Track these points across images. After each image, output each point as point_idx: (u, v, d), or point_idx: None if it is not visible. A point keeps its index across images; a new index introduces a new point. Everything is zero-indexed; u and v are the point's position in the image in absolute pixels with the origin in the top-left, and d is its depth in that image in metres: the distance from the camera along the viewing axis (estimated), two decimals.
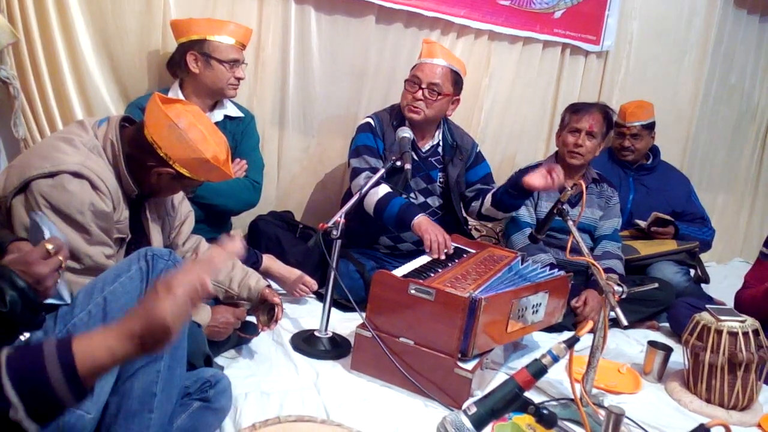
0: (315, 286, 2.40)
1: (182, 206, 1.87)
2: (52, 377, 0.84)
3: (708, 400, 2.06)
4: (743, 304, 2.45)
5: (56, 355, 0.84)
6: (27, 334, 1.20)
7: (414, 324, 1.88)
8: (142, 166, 1.54)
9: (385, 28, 2.96)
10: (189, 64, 2.33)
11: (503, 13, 3.12)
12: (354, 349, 2.00)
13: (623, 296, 1.81)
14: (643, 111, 3.28)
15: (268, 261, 2.41)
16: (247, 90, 2.74)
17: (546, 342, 2.39)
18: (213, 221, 2.46)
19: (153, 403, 1.31)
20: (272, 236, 2.61)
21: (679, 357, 2.23)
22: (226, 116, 2.48)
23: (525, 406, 1.17)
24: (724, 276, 3.63)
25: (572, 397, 1.67)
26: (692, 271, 3.07)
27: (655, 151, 3.38)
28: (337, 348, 2.10)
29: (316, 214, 3.04)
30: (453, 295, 1.83)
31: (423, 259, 2.22)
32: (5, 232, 1.41)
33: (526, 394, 1.17)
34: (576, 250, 1.96)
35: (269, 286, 1.96)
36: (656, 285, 2.37)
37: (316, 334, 2.12)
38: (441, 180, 2.64)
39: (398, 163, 2.23)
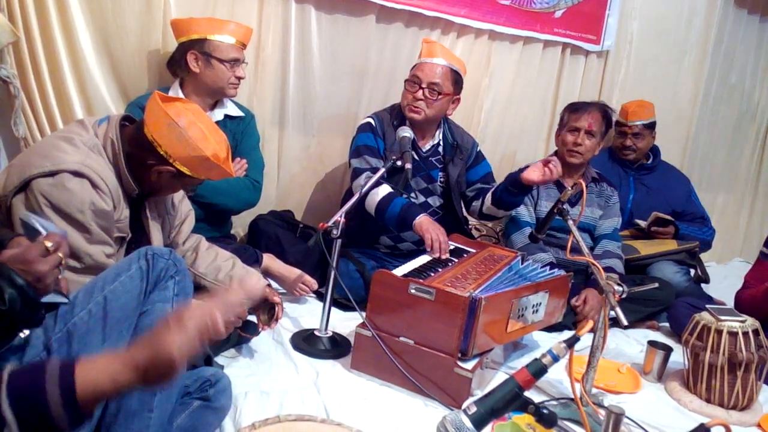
0: (315, 285, 2.40)
1: (182, 205, 1.87)
2: (51, 400, 0.82)
3: (708, 400, 2.06)
4: (743, 304, 2.45)
5: (57, 378, 0.83)
6: (26, 332, 1.20)
7: (414, 323, 1.88)
8: (143, 164, 1.54)
9: (385, 28, 2.96)
10: (189, 63, 2.33)
11: (504, 12, 3.12)
12: (354, 348, 2.00)
13: (623, 296, 1.81)
14: (644, 110, 3.28)
15: (268, 260, 2.41)
16: (247, 89, 2.74)
17: (546, 341, 2.39)
18: (213, 220, 2.46)
19: (153, 402, 1.31)
20: (272, 235, 2.61)
21: (679, 357, 2.23)
22: (226, 115, 2.48)
23: (525, 405, 1.17)
24: (724, 276, 3.63)
25: (572, 396, 1.67)
26: (692, 271, 3.07)
27: (655, 150, 3.38)
28: (337, 347, 2.10)
29: (316, 213, 3.04)
30: (453, 295, 1.83)
31: (423, 259, 2.22)
32: (5, 231, 1.41)
33: (526, 393, 1.17)
34: (576, 249, 1.96)
35: (269, 285, 1.96)
36: (656, 285, 2.37)
37: (316, 333, 2.12)
38: (441, 179, 2.64)
39: (399, 163, 2.23)
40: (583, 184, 2.06)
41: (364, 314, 1.97)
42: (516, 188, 2.44)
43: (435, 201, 2.64)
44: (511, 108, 3.35)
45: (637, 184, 3.30)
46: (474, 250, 2.39)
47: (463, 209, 2.74)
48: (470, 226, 2.92)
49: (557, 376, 2.03)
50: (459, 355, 1.85)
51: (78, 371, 0.84)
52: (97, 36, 2.45)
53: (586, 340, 1.82)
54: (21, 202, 1.43)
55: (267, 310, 1.96)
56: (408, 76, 2.56)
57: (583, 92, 3.46)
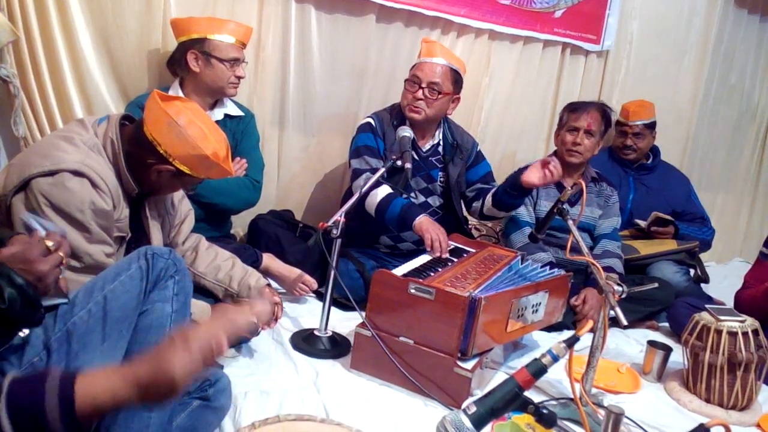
0: (315, 285, 2.40)
1: (182, 205, 1.87)
2: (49, 413, 0.82)
3: (707, 400, 2.06)
4: (743, 304, 2.45)
5: (57, 390, 0.83)
6: (26, 331, 1.20)
7: (414, 323, 1.88)
8: (142, 163, 1.54)
9: (385, 27, 2.96)
10: (189, 62, 2.33)
11: (504, 12, 3.12)
12: (354, 348, 2.00)
13: (623, 296, 1.81)
14: (645, 110, 3.29)
15: (268, 260, 2.41)
16: (247, 89, 2.74)
17: (546, 341, 2.39)
18: (213, 220, 2.46)
19: None
20: (272, 235, 2.61)
21: (678, 357, 2.23)
22: (226, 115, 2.48)
23: (524, 405, 1.17)
24: (724, 276, 3.63)
25: (572, 396, 1.68)
26: (692, 271, 3.07)
27: (655, 150, 3.38)
28: (337, 347, 2.10)
29: (315, 213, 3.04)
30: (453, 295, 1.83)
31: (423, 259, 2.22)
32: (5, 231, 1.41)
33: (526, 393, 1.17)
34: (576, 249, 1.96)
35: (269, 284, 1.96)
36: (656, 285, 2.37)
37: (316, 333, 2.12)
38: (441, 179, 2.64)
39: (398, 163, 2.23)
40: (583, 184, 2.06)
41: (363, 314, 1.97)
42: (516, 191, 2.44)
43: (435, 201, 2.64)
44: (511, 108, 3.35)
45: (637, 184, 3.30)
46: (474, 250, 2.39)
47: (463, 209, 2.74)
48: (470, 226, 2.92)
49: (557, 376, 2.03)
50: (459, 354, 1.85)
51: (78, 384, 0.84)
52: (96, 35, 2.45)
53: (585, 340, 1.81)
54: (21, 201, 1.43)
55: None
56: (408, 76, 2.56)
57: (583, 92, 3.45)
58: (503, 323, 1.95)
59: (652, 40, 3.56)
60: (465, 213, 2.77)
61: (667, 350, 2.24)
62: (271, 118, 2.87)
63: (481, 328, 1.84)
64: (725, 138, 4.00)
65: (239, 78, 2.40)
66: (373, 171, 2.35)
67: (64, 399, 0.82)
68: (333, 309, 2.18)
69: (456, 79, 2.54)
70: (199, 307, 1.70)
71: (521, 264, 2.26)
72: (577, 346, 1.26)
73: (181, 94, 2.35)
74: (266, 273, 2.34)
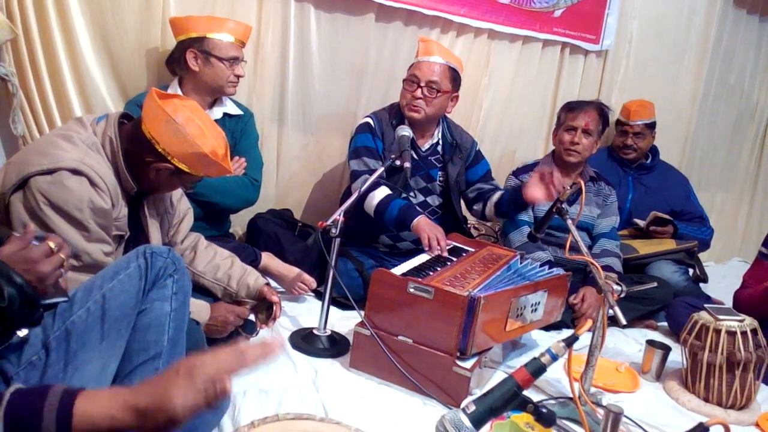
0: (314, 284, 2.40)
1: (181, 204, 1.87)
2: (45, 430, 0.82)
3: (706, 399, 2.07)
4: (742, 303, 2.45)
5: (56, 408, 0.82)
6: (25, 331, 1.20)
7: (413, 322, 1.88)
8: (141, 162, 1.54)
9: (384, 27, 2.96)
10: (188, 61, 2.33)
11: (503, 11, 3.12)
12: (353, 347, 1.99)
13: (622, 295, 1.81)
14: (646, 110, 3.29)
15: (267, 259, 2.41)
16: (246, 88, 2.73)
17: (545, 340, 2.39)
18: (212, 219, 2.46)
19: None
20: (271, 234, 2.61)
21: (677, 356, 2.23)
22: (225, 114, 2.48)
23: (524, 404, 1.17)
24: (723, 275, 3.63)
25: (571, 395, 1.68)
26: (691, 271, 3.07)
27: (654, 150, 3.39)
28: (336, 346, 2.10)
29: (315, 212, 3.04)
30: (452, 294, 1.83)
31: (422, 258, 2.21)
32: (4, 229, 1.41)
33: (525, 392, 1.17)
34: (575, 248, 1.96)
35: (268, 284, 1.95)
36: (655, 284, 2.37)
37: (315, 332, 2.12)
38: (441, 179, 2.64)
39: (397, 162, 2.23)
40: (582, 184, 2.06)
41: (362, 313, 1.97)
42: (519, 206, 2.48)
43: (434, 200, 2.64)
44: (510, 107, 3.35)
45: (636, 184, 3.30)
46: (473, 249, 2.39)
47: (463, 209, 2.74)
48: (469, 226, 2.93)
49: (556, 375, 2.03)
50: (458, 354, 1.85)
51: (77, 404, 0.83)
52: (95, 34, 2.45)
53: (584, 339, 1.81)
54: (19, 200, 1.43)
55: (265, 309, 1.95)
56: (406, 76, 2.56)
57: (582, 92, 3.46)
58: (502, 322, 1.95)
59: (652, 40, 3.56)
60: (464, 212, 2.77)
61: (666, 349, 2.25)
62: (270, 116, 2.87)
63: (480, 327, 1.84)
64: (724, 138, 4.00)
65: (238, 77, 2.40)
66: (372, 173, 2.35)
67: (62, 418, 0.82)
68: (332, 308, 2.18)
69: (454, 77, 2.54)
70: (197, 305, 1.70)
71: (520, 263, 2.26)
72: (576, 345, 1.26)
73: (180, 92, 2.35)
74: (265, 272, 2.34)
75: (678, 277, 2.89)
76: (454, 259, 2.24)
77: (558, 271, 2.21)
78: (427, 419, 1.75)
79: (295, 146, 2.96)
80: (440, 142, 2.63)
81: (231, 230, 2.71)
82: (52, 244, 1.14)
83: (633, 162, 3.31)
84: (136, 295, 1.36)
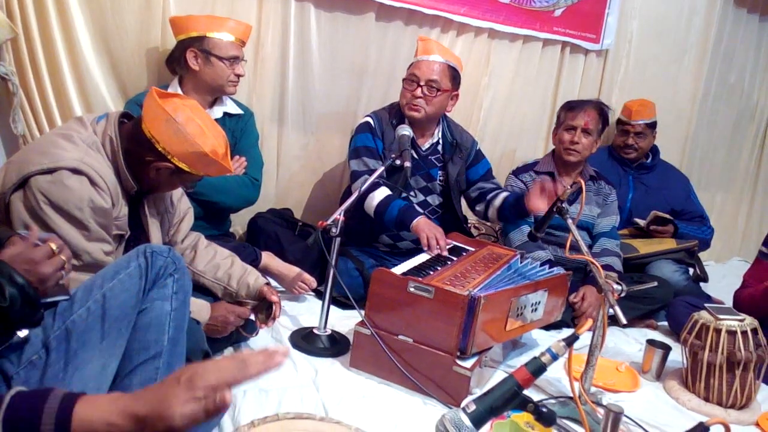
0: (314, 283, 2.40)
1: (181, 203, 1.87)
2: None
3: (706, 399, 2.07)
4: (742, 303, 2.45)
5: (55, 413, 0.82)
6: (25, 331, 1.20)
7: (413, 322, 1.88)
8: (141, 161, 1.54)
9: (384, 26, 2.96)
10: (189, 61, 2.33)
11: (503, 11, 3.12)
12: (353, 346, 1.99)
13: (622, 294, 1.81)
14: (647, 109, 3.29)
15: (267, 258, 2.41)
16: (246, 87, 2.73)
17: (545, 340, 2.39)
18: (212, 218, 2.46)
19: None
20: (271, 234, 2.61)
21: (677, 356, 2.23)
22: (225, 113, 2.48)
23: (524, 404, 1.17)
24: (723, 275, 3.64)
25: (571, 395, 1.67)
26: (691, 270, 3.07)
27: (654, 150, 3.39)
28: (336, 345, 2.10)
29: (315, 211, 3.04)
30: (452, 293, 1.83)
31: (422, 257, 2.21)
32: (4, 229, 1.41)
33: (525, 392, 1.17)
34: (575, 247, 1.96)
35: (268, 283, 1.95)
36: (655, 283, 2.37)
37: (315, 331, 2.12)
38: (441, 178, 2.64)
39: (397, 162, 2.23)
40: (583, 183, 2.06)
41: (363, 312, 1.97)
42: (520, 214, 2.50)
43: (434, 199, 2.64)
44: (510, 106, 3.35)
45: (637, 183, 3.30)
46: (473, 249, 2.39)
47: (463, 208, 2.74)
48: (469, 225, 2.93)
49: (556, 374, 2.03)
50: (458, 353, 1.85)
51: (77, 408, 0.83)
52: (96, 33, 2.45)
53: (584, 338, 1.81)
54: (19, 199, 1.43)
55: (265, 309, 1.95)
56: (405, 75, 2.56)
57: (582, 91, 3.46)
58: (502, 322, 1.95)
59: (652, 40, 3.56)
60: (465, 212, 2.77)
61: (666, 349, 2.25)
62: (270, 116, 2.87)
63: (480, 326, 1.84)
64: (724, 137, 4.00)
65: (238, 76, 2.40)
66: (372, 173, 2.35)
67: (61, 422, 0.82)
68: (332, 307, 2.18)
69: (454, 75, 2.54)
70: (198, 305, 1.70)
71: (520, 263, 2.26)
72: (576, 345, 1.26)
73: (180, 92, 2.35)
74: (265, 271, 2.34)
75: (678, 277, 2.89)
76: (455, 258, 2.24)
77: (558, 270, 2.21)
78: (428, 419, 1.75)
79: (295, 145, 2.96)
80: (440, 141, 2.63)
81: (231, 229, 2.71)
82: (53, 246, 1.14)
83: (633, 161, 3.31)
84: (137, 295, 1.36)
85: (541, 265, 2.26)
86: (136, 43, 2.51)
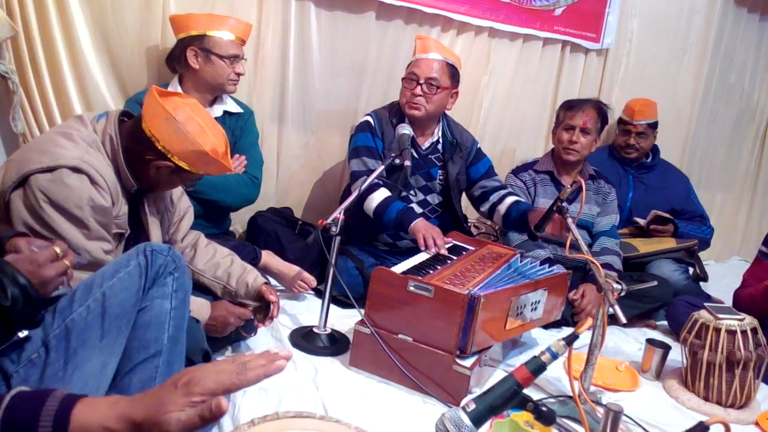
0: (314, 282, 2.40)
1: (181, 202, 1.87)
2: None
3: (706, 398, 2.07)
4: (742, 303, 2.45)
5: (53, 416, 0.82)
6: (25, 332, 1.20)
7: (413, 321, 1.88)
8: (141, 159, 1.54)
9: (385, 25, 2.96)
10: (189, 59, 2.33)
11: (503, 10, 3.12)
12: (353, 345, 1.99)
13: (622, 294, 1.81)
14: (649, 110, 3.29)
15: (267, 257, 2.41)
16: (246, 86, 2.73)
17: (545, 339, 2.39)
18: (212, 217, 2.45)
19: None
20: (271, 232, 2.61)
21: (677, 355, 2.23)
22: (225, 112, 2.48)
23: (524, 403, 1.17)
24: (723, 274, 3.63)
25: (571, 394, 1.68)
26: (691, 270, 3.07)
27: (654, 149, 3.38)
28: (336, 344, 2.10)
29: (315, 210, 3.04)
30: (452, 292, 1.83)
31: (422, 256, 2.21)
32: (3, 227, 1.41)
33: (525, 391, 1.17)
34: (575, 246, 1.96)
35: (267, 282, 1.95)
36: (655, 282, 2.36)
37: (315, 330, 2.12)
38: (441, 177, 2.63)
39: (397, 161, 2.23)
40: (583, 182, 2.06)
41: (362, 311, 1.97)
42: (525, 229, 2.46)
43: (434, 199, 2.64)
44: (510, 105, 3.35)
45: (637, 183, 3.30)
46: (473, 248, 2.39)
47: (463, 207, 2.74)
48: (469, 224, 2.92)
49: (556, 373, 2.03)
50: (458, 352, 1.85)
51: (75, 411, 0.83)
52: (96, 32, 2.45)
53: (584, 337, 1.81)
54: (19, 197, 1.43)
55: (263, 308, 1.95)
56: (404, 74, 2.55)
57: (582, 90, 3.45)
58: (502, 321, 1.95)
59: (652, 39, 3.56)
60: (464, 211, 2.77)
61: (666, 348, 2.25)
62: (270, 114, 2.86)
63: (480, 325, 1.84)
64: (725, 137, 4.00)
65: (239, 75, 2.40)
66: (372, 173, 2.35)
67: (59, 424, 0.82)
68: (332, 306, 2.18)
69: (453, 73, 2.54)
70: (198, 304, 1.70)
71: (520, 262, 2.26)
72: (576, 344, 1.26)
73: (180, 90, 2.35)
74: (265, 270, 2.34)
75: (678, 276, 2.89)
76: (454, 257, 2.24)
77: (558, 269, 2.21)
78: (427, 418, 1.75)
79: (295, 144, 2.96)
80: (440, 140, 2.63)
81: (231, 228, 2.70)
82: (57, 250, 1.15)
83: (634, 161, 3.31)
84: (137, 293, 1.36)
85: (541, 263, 2.26)
86: (136, 41, 2.51)
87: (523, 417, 1.70)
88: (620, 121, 3.35)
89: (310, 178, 3.06)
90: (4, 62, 2.24)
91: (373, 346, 1.92)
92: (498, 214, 2.58)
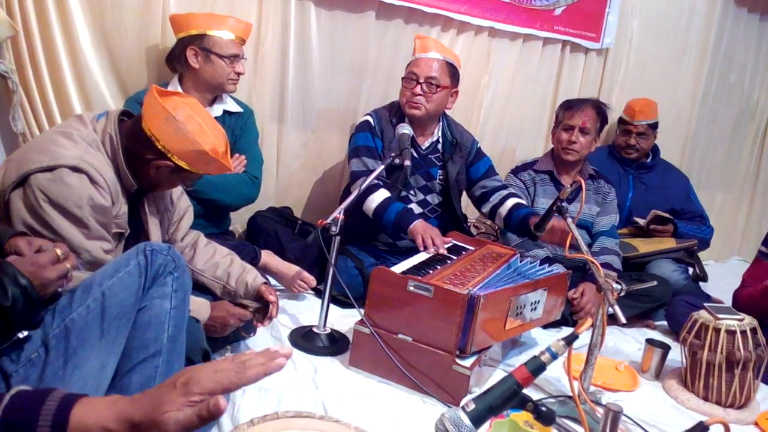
0: (313, 282, 2.40)
1: (181, 201, 1.87)
2: None
3: (705, 398, 2.07)
4: (741, 303, 2.45)
5: (52, 415, 0.82)
6: (25, 332, 1.20)
7: (412, 321, 1.88)
8: (141, 159, 1.54)
9: (385, 24, 2.95)
10: (189, 58, 2.33)
11: (504, 9, 3.12)
12: (352, 345, 1.99)
13: (621, 294, 1.81)
14: (650, 110, 3.29)
15: (267, 257, 2.41)
16: (246, 85, 2.73)
17: (544, 339, 2.39)
18: (212, 216, 2.45)
19: None
20: (271, 232, 2.61)
21: (676, 355, 2.23)
22: (225, 111, 2.48)
23: (523, 403, 1.17)
24: (722, 274, 3.63)
25: (570, 394, 1.68)
26: (690, 270, 3.07)
27: (654, 149, 3.38)
28: (336, 344, 2.10)
29: (314, 210, 3.04)
30: (451, 292, 1.83)
31: (422, 256, 2.21)
32: (3, 227, 1.41)
33: (525, 391, 1.17)
34: (575, 246, 1.96)
35: (267, 282, 1.94)
36: (655, 282, 2.37)
37: (315, 330, 2.12)
38: (441, 177, 2.63)
39: (397, 161, 2.23)
40: (583, 182, 2.06)
41: (362, 311, 1.97)
42: (526, 235, 2.45)
43: (434, 199, 2.64)
44: (510, 105, 3.35)
45: (636, 183, 3.30)
46: (473, 248, 2.39)
47: (463, 207, 2.74)
48: (469, 224, 2.92)
49: (555, 373, 2.03)
50: (457, 352, 1.85)
51: (75, 411, 0.83)
52: (95, 31, 2.45)
53: (584, 337, 1.81)
54: (19, 197, 1.43)
55: (262, 308, 1.95)
56: (404, 74, 2.55)
57: (582, 90, 3.45)
58: (502, 321, 1.95)
59: (652, 39, 3.55)
60: (464, 211, 2.77)
61: (666, 348, 2.25)
62: (270, 114, 2.86)
63: (479, 325, 1.84)
64: (724, 137, 4.00)
65: (238, 74, 2.40)
66: (372, 173, 2.35)
67: (58, 424, 0.82)
68: (332, 306, 2.18)
69: (452, 72, 2.54)
70: (197, 303, 1.69)
71: (520, 262, 2.26)
72: (575, 344, 1.26)
73: (180, 90, 2.35)
74: (265, 270, 2.34)
75: (678, 276, 2.89)
76: (454, 257, 2.24)
77: (558, 269, 2.21)
78: (427, 417, 1.75)
79: (295, 144, 2.96)
80: (440, 140, 2.63)
81: (231, 228, 2.70)
82: (59, 252, 1.14)
83: (634, 161, 3.31)
84: (136, 293, 1.36)
85: (541, 262, 2.26)
86: (136, 40, 2.51)
87: (522, 417, 1.70)
88: (621, 121, 3.35)
89: (309, 178, 3.06)
90: (4, 62, 2.24)
91: (372, 346, 1.92)
92: (499, 216, 2.58)
